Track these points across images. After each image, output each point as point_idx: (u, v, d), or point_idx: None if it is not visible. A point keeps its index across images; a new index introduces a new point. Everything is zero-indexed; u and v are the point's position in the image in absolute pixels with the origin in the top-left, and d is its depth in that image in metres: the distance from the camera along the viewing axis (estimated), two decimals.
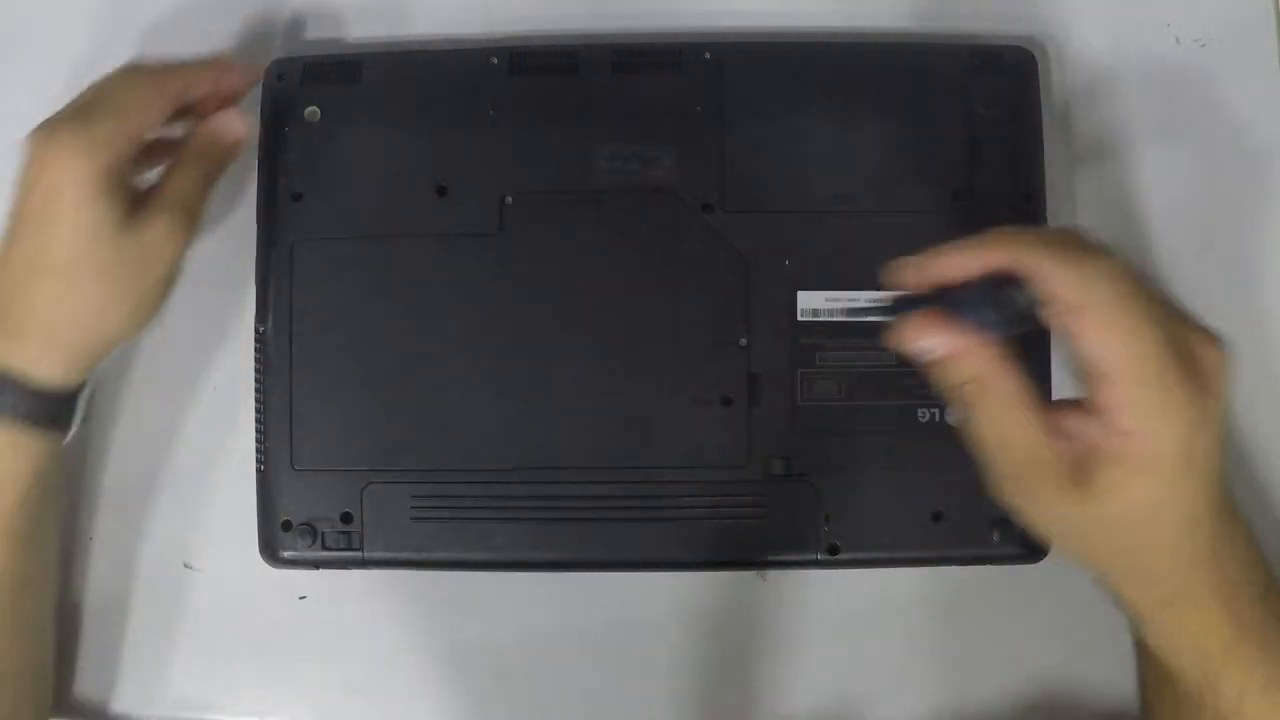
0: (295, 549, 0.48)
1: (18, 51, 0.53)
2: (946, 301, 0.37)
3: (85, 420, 0.47)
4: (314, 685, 0.51)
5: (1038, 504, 0.38)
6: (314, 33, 0.52)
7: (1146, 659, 0.46)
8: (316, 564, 0.48)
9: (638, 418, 0.47)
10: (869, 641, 0.50)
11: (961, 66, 0.49)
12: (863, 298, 0.48)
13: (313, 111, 0.49)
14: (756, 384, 0.47)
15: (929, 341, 0.38)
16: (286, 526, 0.48)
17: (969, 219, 0.48)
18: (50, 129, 0.42)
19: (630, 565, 0.48)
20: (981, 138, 0.48)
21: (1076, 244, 0.36)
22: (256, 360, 0.48)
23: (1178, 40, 0.52)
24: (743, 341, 0.47)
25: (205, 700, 0.51)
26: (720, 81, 0.49)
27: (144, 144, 0.44)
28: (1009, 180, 0.48)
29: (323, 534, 0.47)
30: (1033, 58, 0.49)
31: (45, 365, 0.43)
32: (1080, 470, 0.37)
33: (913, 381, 0.47)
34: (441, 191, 0.48)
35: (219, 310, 0.51)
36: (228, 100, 0.47)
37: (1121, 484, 0.37)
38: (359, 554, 0.47)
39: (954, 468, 0.47)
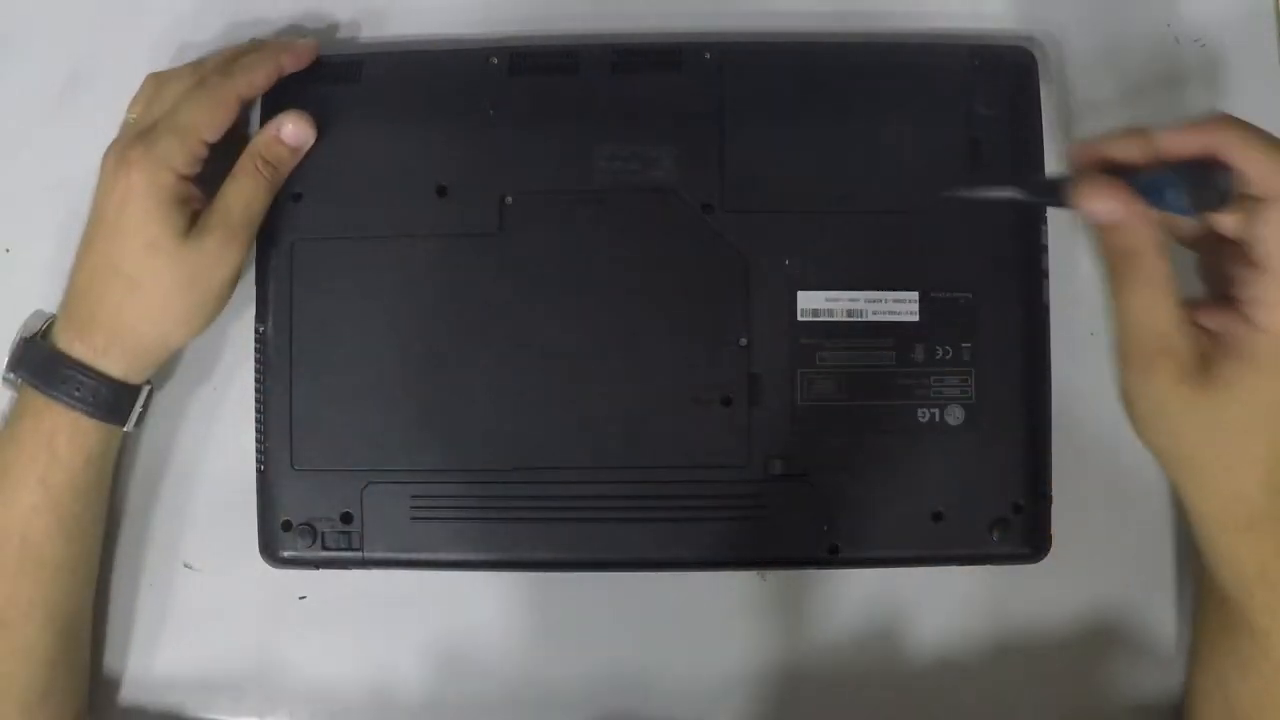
0: (295, 549, 0.48)
1: (18, 51, 0.53)
2: (1130, 180, 0.39)
3: (140, 420, 0.49)
4: (314, 685, 0.51)
5: (1151, 388, 0.40)
6: (314, 33, 0.52)
7: (1203, 595, 0.47)
8: (316, 564, 0.48)
9: (638, 418, 0.47)
10: (869, 641, 0.50)
11: (961, 66, 0.49)
12: (862, 297, 0.48)
13: (313, 111, 0.49)
14: (756, 384, 0.47)
15: (1107, 205, 0.39)
16: (286, 526, 0.48)
17: (969, 219, 0.48)
18: (123, 147, 0.46)
19: (630, 565, 0.48)
20: (981, 138, 0.48)
21: None
22: (256, 360, 0.48)
23: (1178, 40, 0.52)
24: (743, 341, 0.47)
25: (205, 700, 0.51)
26: (720, 81, 0.49)
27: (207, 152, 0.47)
28: (1009, 180, 0.48)
29: (323, 534, 0.47)
30: (1033, 58, 0.49)
31: (108, 359, 0.46)
32: (1206, 362, 0.39)
33: (913, 381, 0.47)
34: (441, 191, 0.48)
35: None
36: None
37: (1243, 380, 0.39)
38: (359, 554, 0.47)
39: (954, 468, 0.47)
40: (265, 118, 0.48)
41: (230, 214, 0.47)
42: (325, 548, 0.48)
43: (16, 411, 0.47)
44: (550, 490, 0.47)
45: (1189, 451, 0.41)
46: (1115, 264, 0.41)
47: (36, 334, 0.48)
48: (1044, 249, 0.48)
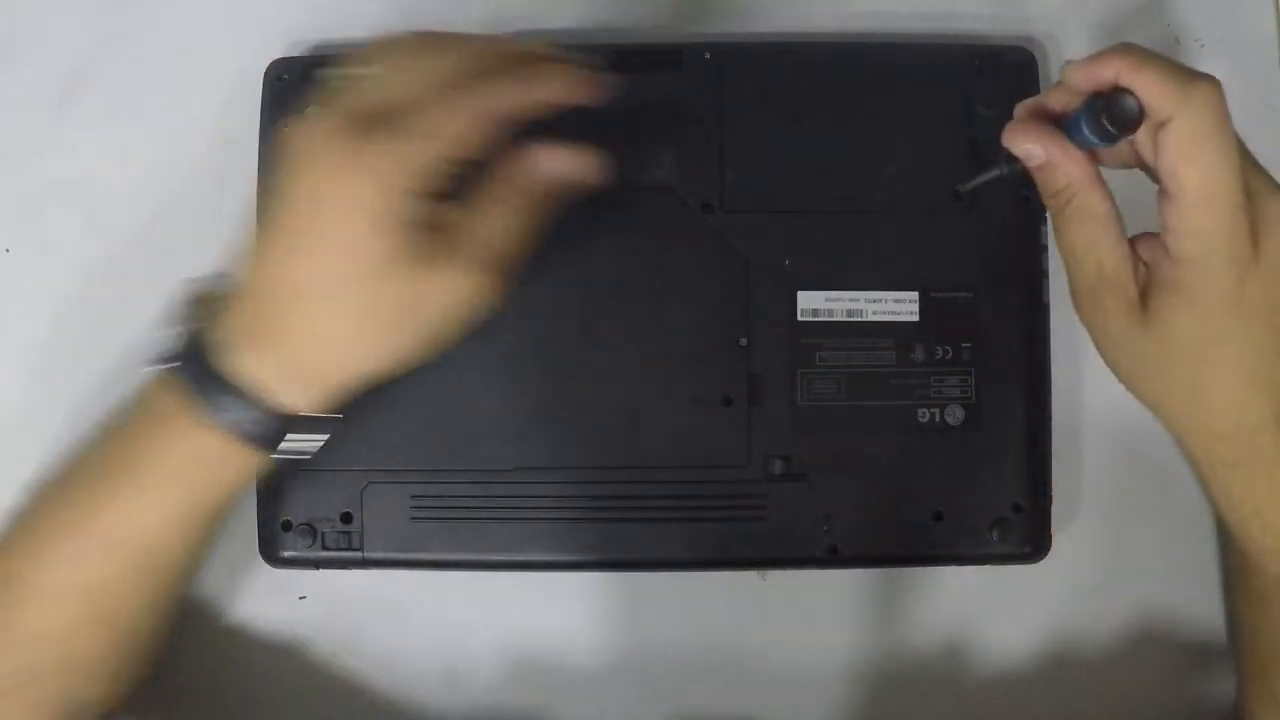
0: (295, 549, 0.48)
1: (18, 51, 0.53)
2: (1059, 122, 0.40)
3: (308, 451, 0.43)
4: (314, 685, 0.51)
5: (1107, 324, 0.40)
6: (314, 33, 0.52)
7: (1226, 543, 0.47)
8: (316, 564, 0.48)
9: (637, 418, 0.47)
10: (869, 641, 0.50)
11: (961, 66, 0.49)
12: (862, 297, 0.48)
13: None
14: (756, 384, 0.47)
15: (1030, 144, 0.39)
16: (286, 526, 0.48)
17: (969, 219, 0.48)
18: (352, 136, 0.37)
19: (630, 565, 0.48)
20: (981, 138, 0.48)
21: (1186, 69, 0.38)
22: None
23: (1178, 40, 0.52)
24: (743, 341, 0.47)
25: (205, 700, 0.51)
26: (720, 81, 0.49)
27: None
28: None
29: (323, 534, 0.47)
30: (1033, 58, 0.49)
31: (283, 385, 0.40)
32: (1145, 295, 0.39)
33: (913, 381, 0.47)
34: None
35: None
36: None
37: (1172, 311, 0.38)
38: (359, 554, 0.47)
39: (954, 468, 0.47)
40: (266, 117, 0.48)
41: (477, 248, 0.39)
42: (325, 548, 0.48)
43: (160, 410, 0.41)
44: (550, 490, 0.47)
45: (1154, 391, 0.41)
46: (1051, 204, 0.40)
47: (198, 335, 0.41)
48: (1044, 249, 0.48)
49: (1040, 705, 0.50)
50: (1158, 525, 0.50)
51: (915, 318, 0.48)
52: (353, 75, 0.39)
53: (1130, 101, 0.37)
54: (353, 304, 0.38)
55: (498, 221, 0.40)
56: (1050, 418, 0.48)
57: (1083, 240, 0.40)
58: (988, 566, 0.49)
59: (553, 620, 0.50)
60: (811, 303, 0.48)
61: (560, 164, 0.41)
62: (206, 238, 0.51)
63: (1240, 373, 0.39)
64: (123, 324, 0.51)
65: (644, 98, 0.48)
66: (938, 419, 0.47)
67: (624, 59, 0.49)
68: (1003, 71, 0.49)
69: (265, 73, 0.49)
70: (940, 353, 0.48)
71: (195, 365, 0.40)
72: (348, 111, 0.37)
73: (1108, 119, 0.37)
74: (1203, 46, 0.52)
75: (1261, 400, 0.39)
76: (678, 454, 0.47)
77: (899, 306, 0.48)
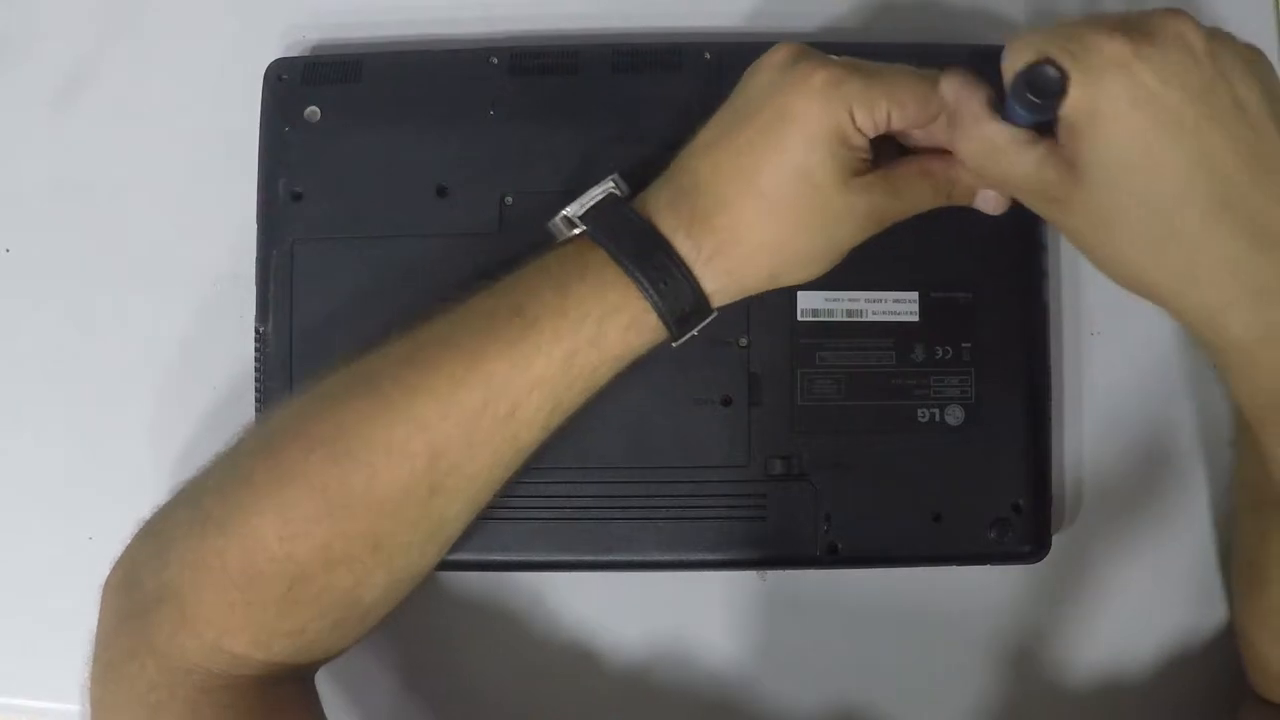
0: None
1: (18, 51, 0.53)
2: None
3: (676, 343, 0.42)
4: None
5: (1061, 219, 0.39)
6: (314, 33, 0.52)
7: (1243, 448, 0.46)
8: None
9: (638, 418, 0.47)
10: (869, 641, 0.50)
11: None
12: (862, 297, 0.48)
13: (313, 111, 0.49)
14: (756, 384, 0.47)
15: (945, 84, 0.39)
16: None
17: (968, 218, 0.48)
18: (824, 62, 0.40)
19: (631, 565, 0.48)
20: None
21: (1117, 29, 0.36)
22: (256, 360, 0.48)
23: None
24: (743, 341, 0.47)
25: None
26: (720, 81, 0.48)
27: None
28: None
29: None
30: None
31: (708, 269, 0.41)
32: (1070, 173, 0.37)
33: (913, 381, 0.47)
34: (441, 191, 0.48)
35: (219, 310, 0.51)
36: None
37: (1095, 162, 0.37)
38: None
39: (954, 468, 0.47)
40: (266, 117, 0.48)
41: (893, 195, 0.41)
42: None
43: (575, 266, 0.41)
44: (550, 490, 0.47)
45: (1118, 250, 0.39)
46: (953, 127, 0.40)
47: (625, 203, 0.42)
48: (1044, 249, 0.48)
49: (1040, 705, 0.50)
50: (1158, 525, 0.50)
51: (915, 318, 0.48)
52: None
53: (1048, 70, 0.36)
54: (795, 214, 0.40)
55: (917, 190, 0.42)
56: (1050, 418, 0.48)
57: (992, 145, 0.39)
58: (988, 566, 0.49)
59: (553, 620, 0.50)
60: (811, 302, 0.48)
61: (989, 203, 0.43)
62: (207, 237, 0.51)
63: (1185, 191, 0.36)
64: (123, 324, 0.51)
65: (644, 98, 0.48)
66: (938, 419, 0.47)
67: (624, 59, 0.49)
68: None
69: (265, 73, 0.49)
70: (940, 353, 0.48)
71: (627, 225, 0.41)
72: (829, 58, 0.40)
73: (1030, 90, 0.37)
74: None
75: (1229, 233, 0.36)
76: (678, 454, 0.47)
77: (899, 306, 0.48)
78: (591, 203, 0.43)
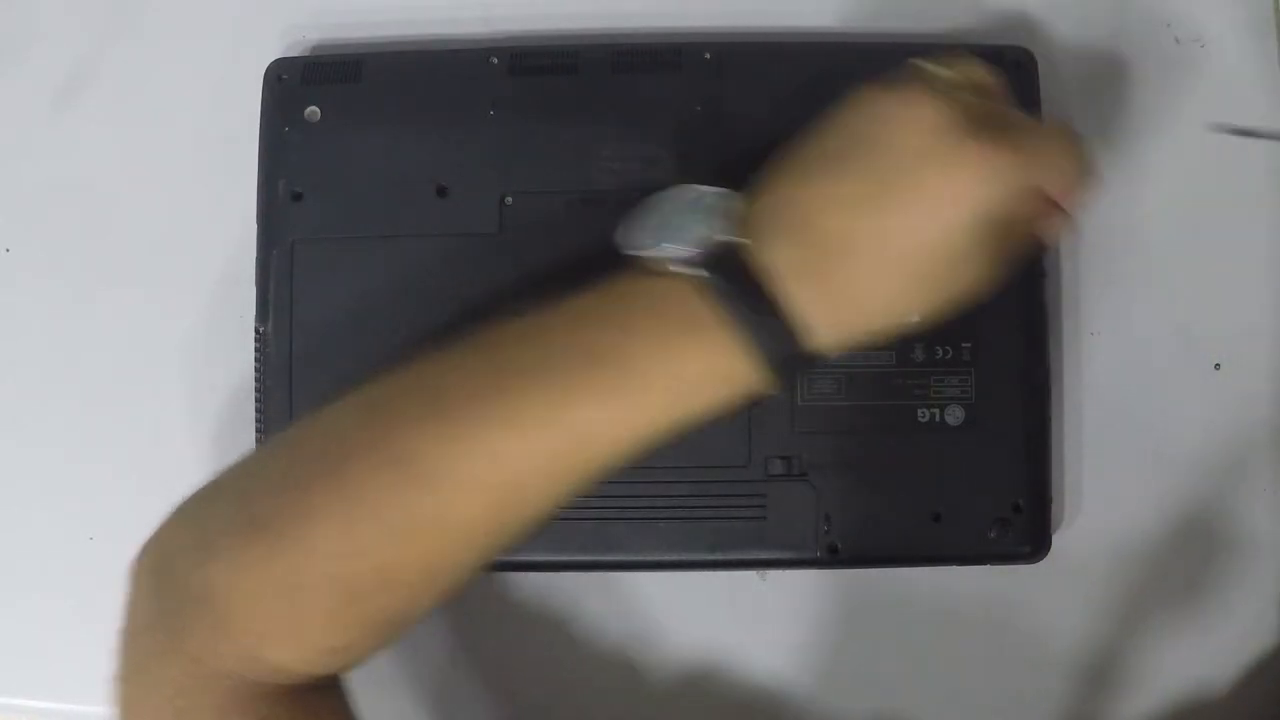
0: None
1: (18, 51, 0.53)
2: None
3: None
4: None
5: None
6: (314, 33, 0.52)
7: None
8: None
9: None
10: (869, 641, 0.50)
11: None
12: None
13: (313, 111, 0.49)
14: None
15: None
16: None
17: None
18: (974, 124, 0.37)
19: (630, 565, 0.48)
20: None
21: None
22: (256, 360, 0.48)
23: (1177, 40, 0.52)
24: None
25: None
26: (720, 81, 0.49)
27: None
28: None
29: None
30: (1033, 58, 0.49)
31: (824, 326, 0.38)
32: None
33: (913, 381, 0.47)
34: (441, 191, 0.48)
35: (219, 310, 0.51)
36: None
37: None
38: None
39: (954, 468, 0.47)
40: (266, 117, 0.48)
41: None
42: None
43: (676, 313, 0.38)
44: None
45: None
46: None
47: (730, 249, 0.38)
48: (1044, 249, 0.48)
49: (1040, 704, 0.50)
50: (1158, 525, 0.50)
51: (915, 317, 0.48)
52: (943, 72, 0.40)
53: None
54: (923, 275, 0.38)
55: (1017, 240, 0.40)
56: (1050, 418, 0.48)
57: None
58: (988, 566, 0.49)
59: (552, 620, 0.50)
60: None
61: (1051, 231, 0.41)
62: (207, 238, 0.51)
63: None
64: (123, 324, 0.51)
65: (644, 98, 0.48)
66: (937, 419, 0.47)
67: (624, 59, 0.49)
68: (1003, 71, 0.48)
69: (265, 73, 0.49)
70: (940, 353, 0.48)
71: (735, 280, 0.38)
72: (964, 105, 0.38)
73: None
74: (1203, 47, 0.52)
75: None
76: (678, 454, 0.47)
77: None
78: (711, 246, 0.39)
